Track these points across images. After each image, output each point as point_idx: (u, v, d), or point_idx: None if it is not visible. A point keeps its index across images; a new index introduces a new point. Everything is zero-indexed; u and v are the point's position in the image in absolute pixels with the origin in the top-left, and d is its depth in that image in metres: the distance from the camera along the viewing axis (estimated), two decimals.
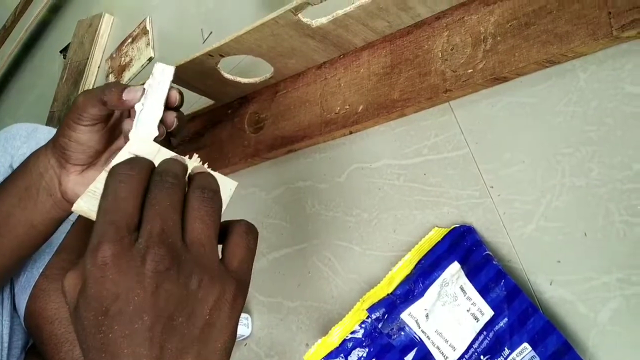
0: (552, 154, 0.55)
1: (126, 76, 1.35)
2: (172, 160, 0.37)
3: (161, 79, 0.52)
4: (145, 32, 1.37)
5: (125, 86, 0.52)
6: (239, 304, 0.34)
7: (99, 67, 1.55)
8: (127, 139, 0.53)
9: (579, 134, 0.54)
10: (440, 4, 0.63)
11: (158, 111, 0.51)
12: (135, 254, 0.31)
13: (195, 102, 0.97)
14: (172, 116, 0.52)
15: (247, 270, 0.36)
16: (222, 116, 0.90)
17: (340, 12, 0.64)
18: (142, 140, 0.46)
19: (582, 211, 0.53)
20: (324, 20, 0.65)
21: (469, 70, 0.60)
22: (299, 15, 0.63)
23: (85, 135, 0.53)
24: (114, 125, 0.57)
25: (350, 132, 0.73)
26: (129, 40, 1.43)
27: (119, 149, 0.58)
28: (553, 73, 0.57)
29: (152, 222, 0.32)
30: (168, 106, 0.52)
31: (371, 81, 0.69)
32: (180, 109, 0.55)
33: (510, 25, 0.58)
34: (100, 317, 0.30)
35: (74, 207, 0.38)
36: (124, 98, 0.51)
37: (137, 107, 0.51)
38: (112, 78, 1.42)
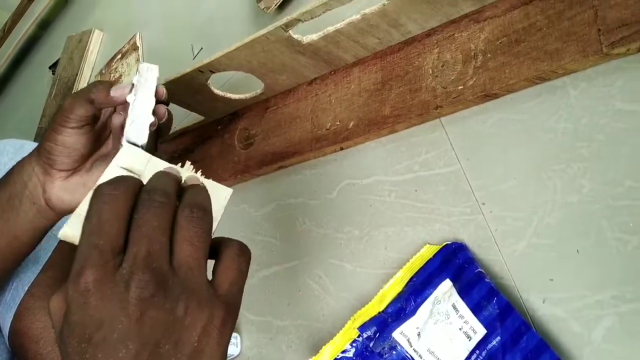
0: (544, 171, 0.55)
1: None
2: (163, 175, 0.36)
3: (147, 76, 0.53)
4: (135, 48, 1.37)
5: (112, 83, 0.52)
6: (228, 329, 0.33)
7: (88, 83, 1.54)
8: (116, 134, 0.54)
9: (570, 150, 0.54)
10: (430, 21, 0.63)
11: (150, 102, 0.52)
12: (118, 279, 0.30)
13: (184, 117, 0.97)
14: (163, 108, 0.54)
15: (238, 293, 0.34)
16: (212, 132, 0.89)
17: (330, 28, 0.64)
18: (132, 151, 0.45)
19: (574, 228, 0.52)
20: (314, 36, 0.65)
21: (460, 87, 0.60)
22: (290, 31, 0.63)
23: (71, 138, 0.53)
24: (100, 129, 0.57)
25: (341, 148, 0.73)
26: (119, 56, 1.42)
27: (104, 155, 0.58)
28: (543, 90, 0.57)
29: (138, 245, 0.31)
30: (157, 100, 0.53)
31: (362, 97, 0.69)
32: (168, 117, 0.56)
33: (500, 42, 0.58)
34: (84, 344, 0.29)
35: (60, 234, 0.36)
36: (111, 95, 0.52)
37: (130, 98, 0.51)
38: None
